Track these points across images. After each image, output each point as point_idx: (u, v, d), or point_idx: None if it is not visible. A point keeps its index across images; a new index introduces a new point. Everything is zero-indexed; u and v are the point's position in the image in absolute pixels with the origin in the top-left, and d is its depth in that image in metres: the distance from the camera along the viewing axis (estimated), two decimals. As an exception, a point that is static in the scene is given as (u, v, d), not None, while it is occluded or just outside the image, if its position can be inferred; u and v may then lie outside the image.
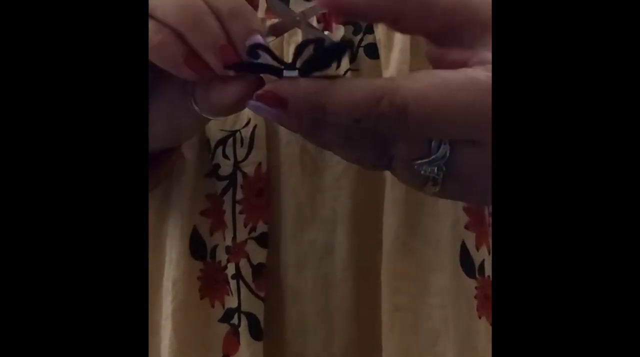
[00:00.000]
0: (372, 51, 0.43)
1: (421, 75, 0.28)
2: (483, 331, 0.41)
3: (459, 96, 0.27)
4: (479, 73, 0.28)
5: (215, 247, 0.43)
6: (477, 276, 0.42)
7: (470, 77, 0.28)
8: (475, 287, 0.42)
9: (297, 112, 0.29)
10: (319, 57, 0.30)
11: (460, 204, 0.42)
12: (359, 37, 0.43)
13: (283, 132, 0.43)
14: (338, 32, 0.42)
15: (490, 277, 0.42)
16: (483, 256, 0.42)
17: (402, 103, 0.27)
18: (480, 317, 0.41)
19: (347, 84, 0.29)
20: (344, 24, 0.43)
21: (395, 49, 0.42)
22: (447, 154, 0.29)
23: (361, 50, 0.43)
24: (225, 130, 0.43)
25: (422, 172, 0.30)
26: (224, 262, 0.43)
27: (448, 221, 0.41)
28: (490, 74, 0.28)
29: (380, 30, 0.42)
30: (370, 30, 0.43)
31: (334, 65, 0.30)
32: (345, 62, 0.42)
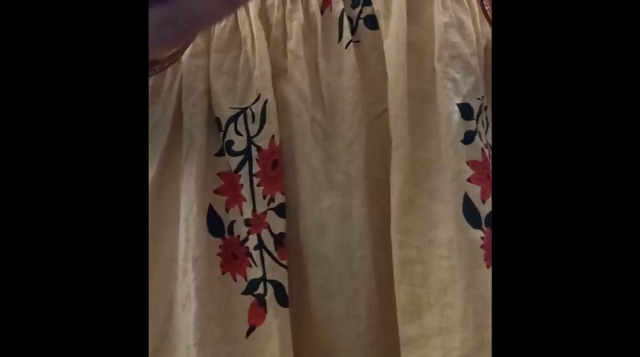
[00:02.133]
0: (372, 22, 0.45)
1: None
2: (490, 280, 0.43)
3: None
4: None
5: (232, 222, 0.44)
6: (483, 227, 0.43)
7: None
8: (481, 238, 0.43)
9: None
10: None
11: (464, 158, 0.44)
12: (357, 9, 0.45)
13: (293, 104, 0.44)
14: (337, 6, 0.45)
15: None
16: (490, 207, 0.44)
17: None
18: (488, 267, 0.43)
19: None
20: None
21: (393, 17, 0.44)
22: None
23: (361, 22, 0.45)
24: (235, 108, 0.44)
25: None
26: (243, 236, 0.44)
27: (450, 174, 0.43)
28: None
29: (378, 1, 0.45)
30: (368, 2, 0.45)
31: None
32: (347, 34, 0.44)
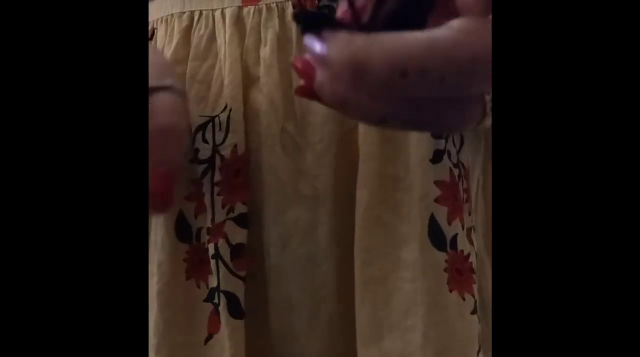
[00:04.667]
0: None
1: None
2: (454, 304, 0.41)
3: None
4: None
5: (200, 229, 0.45)
6: (448, 249, 0.41)
7: None
8: (445, 261, 0.41)
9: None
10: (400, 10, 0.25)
11: (432, 178, 0.41)
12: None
13: (263, 114, 0.43)
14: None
15: (464, 251, 0.41)
16: (456, 230, 0.41)
17: None
18: (451, 291, 0.41)
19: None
20: (319, 7, 0.43)
21: None
22: None
23: None
24: (205, 116, 0.44)
25: None
26: (207, 244, 0.44)
27: (417, 193, 0.41)
28: None
29: None
30: None
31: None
32: None
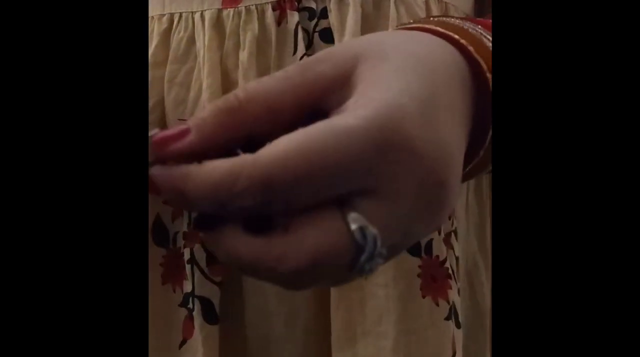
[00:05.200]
0: (327, 36, 0.43)
1: (280, 139, 0.26)
2: (426, 311, 0.41)
3: (318, 148, 0.25)
4: (338, 119, 0.26)
5: (176, 233, 0.44)
6: (422, 255, 0.42)
7: (328, 125, 0.26)
8: (419, 266, 0.41)
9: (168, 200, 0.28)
10: None
11: None
12: (313, 22, 0.43)
13: None
14: (292, 19, 0.43)
15: (440, 257, 0.42)
16: (431, 235, 0.42)
17: (262, 173, 0.25)
18: (424, 297, 0.41)
19: (210, 164, 0.26)
20: (298, 10, 0.43)
21: (347, 32, 0.42)
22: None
23: (316, 35, 0.43)
24: (183, 120, 0.44)
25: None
26: (183, 248, 0.44)
27: None
28: (353, 120, 0.26)
29: (333, 15, 0.43)
30: (324, 15, 0.43)
31: None
32: (301, 47, 0.43)
